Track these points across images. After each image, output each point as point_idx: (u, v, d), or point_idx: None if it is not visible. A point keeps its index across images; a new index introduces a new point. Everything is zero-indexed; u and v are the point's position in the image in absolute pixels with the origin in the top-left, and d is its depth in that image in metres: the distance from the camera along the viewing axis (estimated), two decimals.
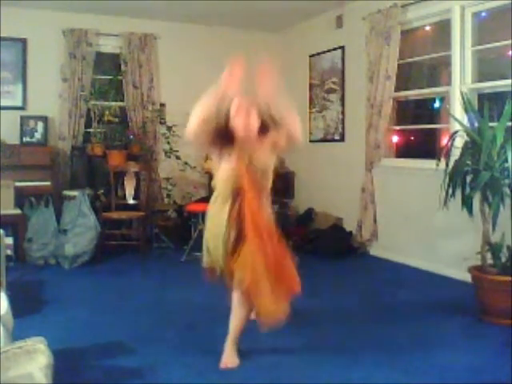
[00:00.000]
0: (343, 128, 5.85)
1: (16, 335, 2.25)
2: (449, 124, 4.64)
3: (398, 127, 5.33)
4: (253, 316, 2.92)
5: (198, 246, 5.31)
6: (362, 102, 5.34)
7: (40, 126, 5.66)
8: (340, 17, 5.84)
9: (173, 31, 6.32)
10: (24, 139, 5.59)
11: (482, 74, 4.49)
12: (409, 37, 5.14)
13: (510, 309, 3.29)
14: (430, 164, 4.17)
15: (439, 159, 3.71)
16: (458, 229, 4.34)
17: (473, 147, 3.53)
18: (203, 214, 5.33)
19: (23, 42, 5.72)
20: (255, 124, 2.84)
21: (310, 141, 6.39)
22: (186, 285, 4.46)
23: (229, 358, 2.82)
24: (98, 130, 5.97)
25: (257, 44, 6.84)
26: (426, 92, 5.06)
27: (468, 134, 3.61)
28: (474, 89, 4.47)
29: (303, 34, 6.51)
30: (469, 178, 3.52)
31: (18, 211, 5.02)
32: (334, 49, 5.94)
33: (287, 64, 6.81)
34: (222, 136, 2.80)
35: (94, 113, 5.98)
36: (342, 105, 5.86)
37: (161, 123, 6.17)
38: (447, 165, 3.63)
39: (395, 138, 5.37)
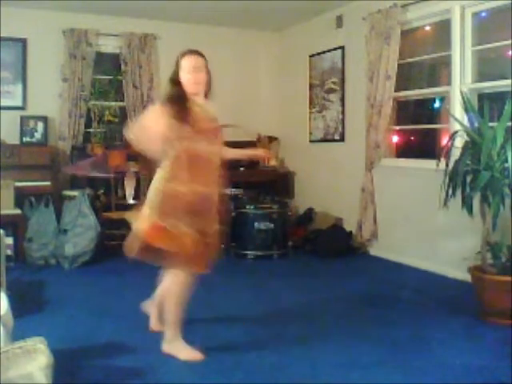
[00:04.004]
0: (343, 128, 5.86)
1: (16, 335, 2.25)
2: (449, 124, 4.64)
3: (398, 127, 5.32)
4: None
5: None
6: (362, 102, 5.34)
7: (40, 126, 5.66)
8: (340, 17, 5.84)
9: (173, 31, 6.31)
10: (24, 139, 5.59)
11: (481, 74, 4.49)
12: (409, 37, 5.13)
13: (510, 309, 3.29)
14: (430, 164, 4.16)
15: (439, 159, 3.71)
16: (458, 229, 4.34)
17: (473, 147, 3.53)
18: None
19: (23, 42, 5.72)
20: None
21: (310, 141, 6.40)
22: None
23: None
24: (98, 130, 5.98)
25: (257, 44, 6.86)
26: (426, 92, 5.06)
27: (468, 134, 3.61)
28: (474, 89, 4.47)
29: (303, 34, 6.51)
30: (469, 178, 3.52)
31: (18, 211, 5.01)
32: (334, 49, 5.94)
33: (287, 64, 6.83)
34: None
35: (94, 113, 5.99)
36: (342, 105, 5.86)
37: None
38: (447, 165, 3.63)
39: (395, 138, 5.37)
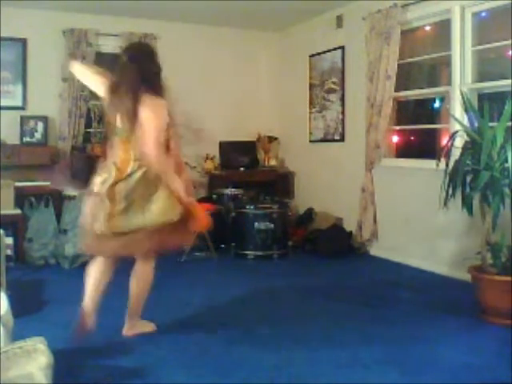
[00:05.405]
0: (343, 128, 5.86)
1: (16, 335, 2.25)
2: (449, 124, 4.64)
3: (398, 127, 5.32)
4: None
5: (199, 245, 5.35)
6: (362, 102, 5.34)
7: (40, 126, 5.66)
8: (340, 17, 5.84)
9: (173, 31, 6.32)
10: (24, 139, 5.59)
11: (481, 74, 4.49)
12: (409, 37, 5.14)
13: (510, 309, 3.29)
14: (430, 164, 4.16)
15: (439, 159, 3.71)
16: (458, 229, 4.34)
17: (473, 147, 3.53)
18: None
19: (23, 42, 5.71)
20: None
21: (310, 141, 6.40)
22: (185, 285, 4.46)
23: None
24: (98, 130, 5.98)
25: (257, 44, 6.86)
26: (426, 92, 5.06)
27: (468, 134, 3.61)
28: (474, 89, 4.47)
29: (303, 33, 6.51)
30: (469, 178, 3.52)
31: (18, 211, 5.02)
32: (334, 49, 5.94)
33: (287, 64, 6.83)
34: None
35: (94, 113, 5.99)
36: (342, 105, 5.86)
37: None
38: (447, 165, 3.63)
39: (395, 138, 5.37)
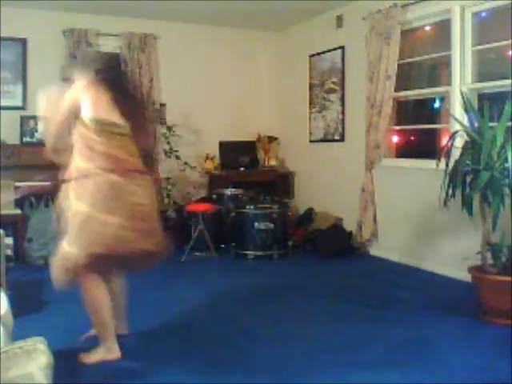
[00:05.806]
0: (343, 128, 5.86)
1: (16, 335, 2.25)
2: (449, 124, 4.64)
3: (398, 127, 5.32)
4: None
5: (199, 245, 5.35)
6: (362, 102, 5.34)
7: (40, 126, 5.66)
8: (340, 17, 5.84)
9: (173, 31, 6.32)
10: (24, 139, 5.59)
11: (481, 74, 4.49)
12: (409, 37, 5.14)
13: (510, 309, 3.29)
14: (429, 164, 4.17)
15: (439, 159, 3.71)
16: (458, 229, 4.34)
17: (473, 147, 3.53)
18: (203, 214, 5.37)
19: (23, 42, 5.72)
20: None
21: (310, 141, 6.40)
22: (185, 285, 4.46)
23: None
24: None
25: (257, 44, 6.87)
26: (426, 92, 5.06)
27: (468, 134, 3.61)
28: (474, 89, 4.47)
29: (303, 33, 6.51)
30: (469, 178, 3.52)
31: (18, 211, 5.02)
32: (334, 49, 5.94)
33: (287, 64, 6.83)
34: None
35: None
36: (342, 105, 5.86)
37: (161, 123, 6.17)
38: (447, 165, 3.63)
39: (395, 138, 5.37)
